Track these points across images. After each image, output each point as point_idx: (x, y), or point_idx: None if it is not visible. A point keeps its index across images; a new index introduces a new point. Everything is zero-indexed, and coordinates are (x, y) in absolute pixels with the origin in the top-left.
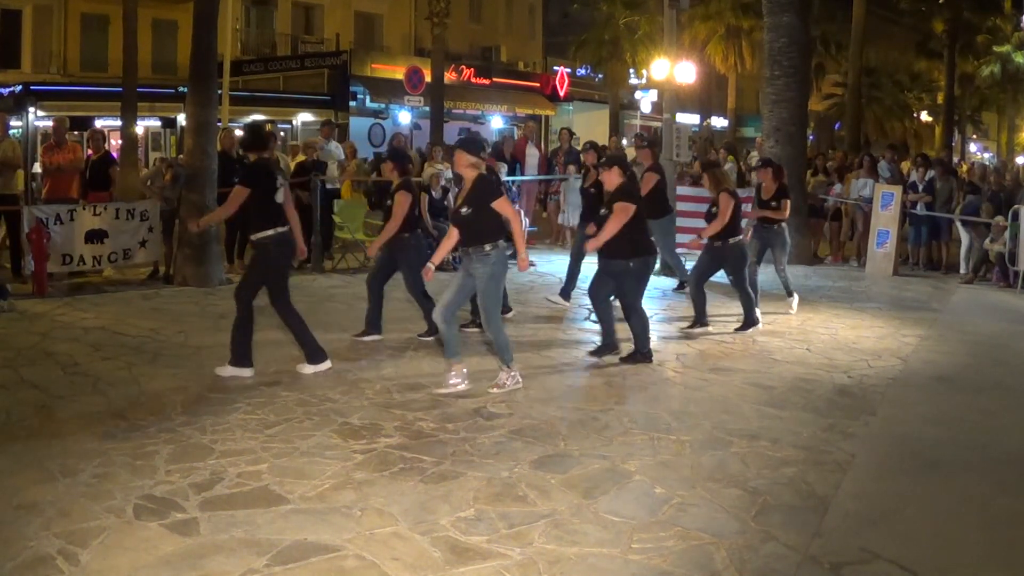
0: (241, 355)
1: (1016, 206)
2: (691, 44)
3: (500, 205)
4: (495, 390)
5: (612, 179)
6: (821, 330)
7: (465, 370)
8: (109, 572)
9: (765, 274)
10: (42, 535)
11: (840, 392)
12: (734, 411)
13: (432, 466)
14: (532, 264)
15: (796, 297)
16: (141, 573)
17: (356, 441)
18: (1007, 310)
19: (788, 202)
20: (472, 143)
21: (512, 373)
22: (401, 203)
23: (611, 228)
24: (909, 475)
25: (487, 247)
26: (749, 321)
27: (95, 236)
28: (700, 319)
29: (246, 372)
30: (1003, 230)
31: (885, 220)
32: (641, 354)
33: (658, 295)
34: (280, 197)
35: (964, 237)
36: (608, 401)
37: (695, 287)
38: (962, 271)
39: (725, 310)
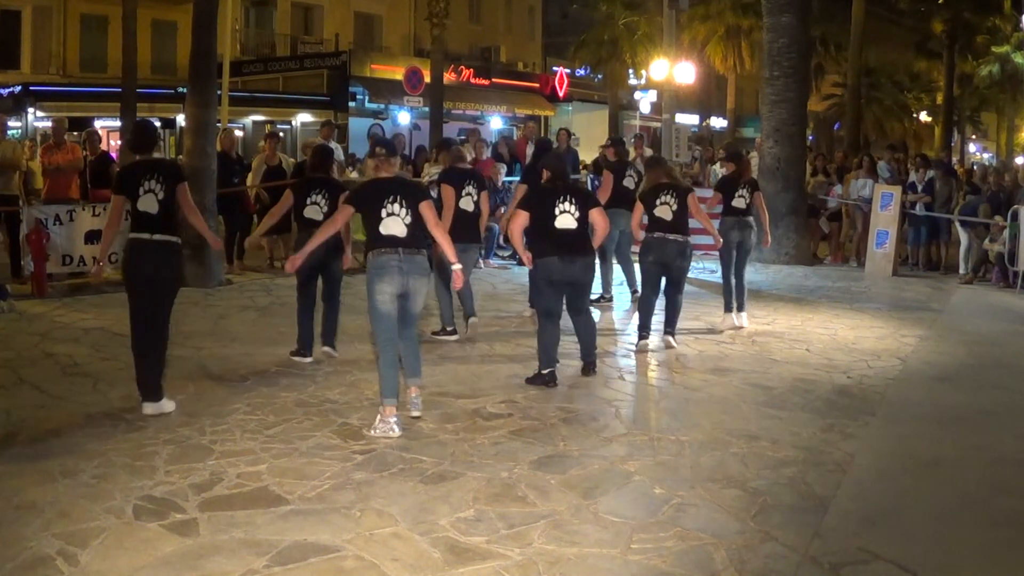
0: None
1: (1015, 206)
2: (690, 44)
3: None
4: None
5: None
6: (820, 330)
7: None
8: (109, 573)
9: (764, 274)
10: (42, 536)
11: (840, 392)
12: (733, 411)
13: (432, 466)
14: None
15: (733, 316)
16: (141, 574)
17: (355, 442)
18: (1007, 310)
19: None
20: (381, 143)
21: (387, 418)
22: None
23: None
24: (909, 475)
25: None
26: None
27: (95, 237)
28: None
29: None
30: (1002, 230)
31: (884, 220)
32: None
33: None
34: (145, 204)
35: (963, 237)
36: (608, 401)
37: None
38: (961, 271)
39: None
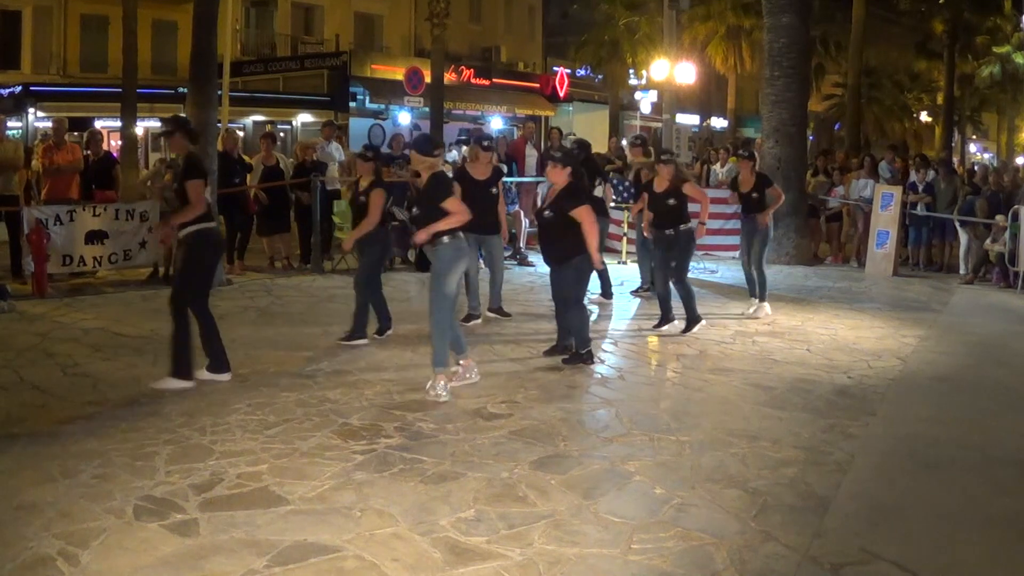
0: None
1: (1016, 206)
2: (691, 44)
3: (450, 204)
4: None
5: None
6: (821, 330)
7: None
8: (109, 573)
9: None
10: (42, 536)
11: (840, 393)
12: (734, 412)
13: (432, 467)
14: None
15: (765, 305)
16: (141, 574)
17: (356, 442)
18: (1007, 310)
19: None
20: (424, 142)
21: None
22: (375, 200)
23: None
24: (909, 475)
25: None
26: (693, 319)
27: (95, 237)
28: (666, 316)
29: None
30: (1003, 230)
31: (885, 220)
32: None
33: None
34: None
35: (963, 237)
36: (608, 401)
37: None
38: (962, 271)
39: (723, 309)
